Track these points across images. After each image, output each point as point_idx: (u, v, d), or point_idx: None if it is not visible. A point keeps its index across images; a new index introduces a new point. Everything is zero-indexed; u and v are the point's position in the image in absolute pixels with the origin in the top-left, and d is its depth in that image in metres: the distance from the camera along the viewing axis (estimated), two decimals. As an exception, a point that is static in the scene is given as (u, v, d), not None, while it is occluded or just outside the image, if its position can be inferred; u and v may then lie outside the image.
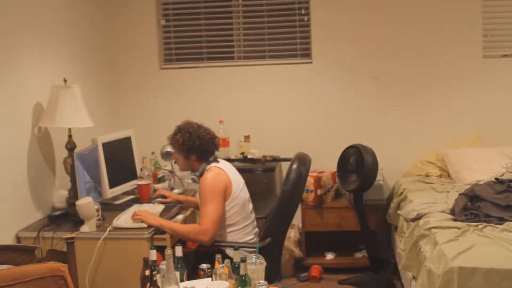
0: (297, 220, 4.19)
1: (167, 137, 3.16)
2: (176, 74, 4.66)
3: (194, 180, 3.13)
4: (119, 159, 3.65)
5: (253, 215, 3.16)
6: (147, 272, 2.10)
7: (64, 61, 3.68)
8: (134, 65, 4.64)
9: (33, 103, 3.28)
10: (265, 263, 2.29)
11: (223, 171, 3.02)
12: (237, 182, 3.07)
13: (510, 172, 3.71)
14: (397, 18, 4.42)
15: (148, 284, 2.09)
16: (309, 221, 4.25)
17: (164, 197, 3.47)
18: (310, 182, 4.10)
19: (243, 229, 3.05)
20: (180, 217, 3.34)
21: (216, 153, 3.15)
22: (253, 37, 4.67)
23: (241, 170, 3.22)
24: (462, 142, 4.35)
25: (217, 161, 3.10)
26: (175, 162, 3.34)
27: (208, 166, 3.05)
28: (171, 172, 3.85)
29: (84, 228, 2.96)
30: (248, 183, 3.19)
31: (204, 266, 2.33)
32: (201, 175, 3.06)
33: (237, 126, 4.47)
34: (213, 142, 3.10)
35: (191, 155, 3.07)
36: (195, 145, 3.03)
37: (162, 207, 3.29)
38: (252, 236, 3.09)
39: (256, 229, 3.14)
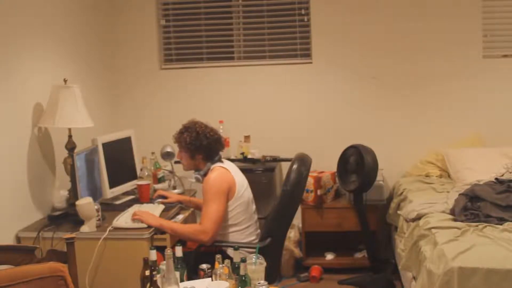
0: (297, 220, 4.19)
1: (172, 135, 3.15)
2: (176, 74, 4.66)
3: (198, 180, 3.12)
4: (119, 159, 3.65)
5: (256, 216, 3.15)
6: (147, 272, 2.10)
7: (64, 61, 3.68)
8: (134, 65, 4.64)
9: (33, 103, 3.28)
10: (265, 263, 2.29)
11: (227, 171, 3.02)
12: (241, 182, 3.07)
13: (510, 172, 3.70)
14: (397, 18, 4.42)
15: (148, 284, 2.09)
16: (309, 221, 4.24)
17: (164, 197, 3.47)
18: (310, 182, 4.10)
19: (245, 229, 3.05)
20: (180, 217, 3.34)
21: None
22: (253, 37, 4.66)
23: (241, 170, 3.21)
24: (462, 142, 4.34)
25: (221, 161, 3.11)
26: (178, 161, 3.32)
27: (212, 166, 3.05)
28: (171, 172, 3.85)
29: (84, 228, 2.96)
30: (248, 183, 3.18)
31: (204, 266, 2.33)
32: (205, 174, 3.05)
33: (237, 126, 4.46)
34: (220, 141, 3.11)
35: (197, 154, 3.07)
36: (203, 145, 3.03)
37: (162, 207, 3.28)
38: (254, 237, 3.09)
39: (258, 231, 3.14)
